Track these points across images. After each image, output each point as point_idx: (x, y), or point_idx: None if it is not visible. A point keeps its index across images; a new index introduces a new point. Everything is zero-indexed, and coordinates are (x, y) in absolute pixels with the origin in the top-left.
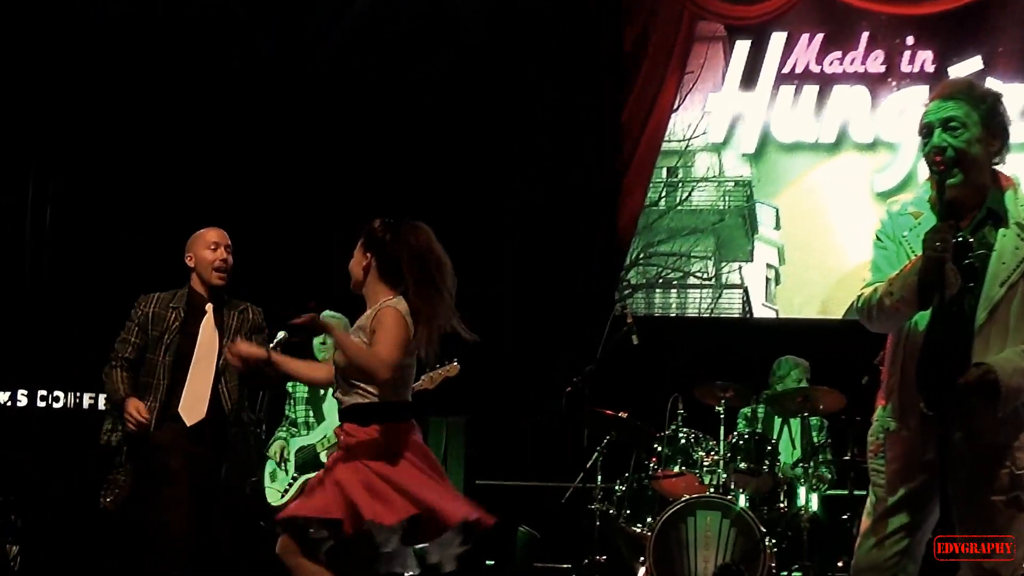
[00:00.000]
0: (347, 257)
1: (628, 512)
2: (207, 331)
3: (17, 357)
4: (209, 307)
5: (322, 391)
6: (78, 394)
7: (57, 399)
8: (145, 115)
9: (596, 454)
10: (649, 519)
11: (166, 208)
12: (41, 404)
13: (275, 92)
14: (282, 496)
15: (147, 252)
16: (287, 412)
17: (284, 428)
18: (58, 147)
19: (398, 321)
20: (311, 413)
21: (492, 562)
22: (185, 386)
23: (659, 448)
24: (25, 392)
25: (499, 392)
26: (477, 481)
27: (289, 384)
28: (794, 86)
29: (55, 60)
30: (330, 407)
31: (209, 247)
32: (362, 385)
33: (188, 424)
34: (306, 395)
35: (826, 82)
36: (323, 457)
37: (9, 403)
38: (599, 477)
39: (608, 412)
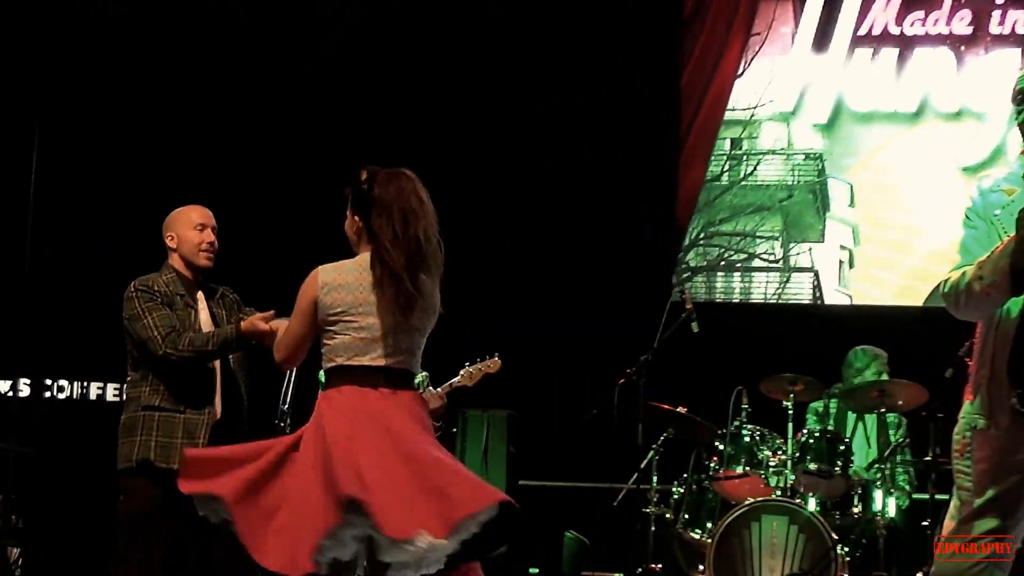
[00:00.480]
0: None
1: (686, 517)
2: (206, 321)
3: (19, 343)
4: (200, 295)
5: None
6: (84, 384)
7: (62, 389)
8: (144, 113)
9: (651, 453)
10: (709, 524)
11: (166, 202)
12: (45, 394)
13: (276, 92)
14: None
15: (147, 247)
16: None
17: None
18: (61, 127)
19: (302, 290)
20: None
21: (536, 570)
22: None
23: (721, 447)
24: (28, 381)
25: (545, 384)
26: (520, 482)
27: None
28: (871, 49)
29: (54, 60)
30: None
31: (195, 227)
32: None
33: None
34: None
35: (906, 45)
36: None
37: (10, 393)
38: (654, 478)
39: (665, 407)
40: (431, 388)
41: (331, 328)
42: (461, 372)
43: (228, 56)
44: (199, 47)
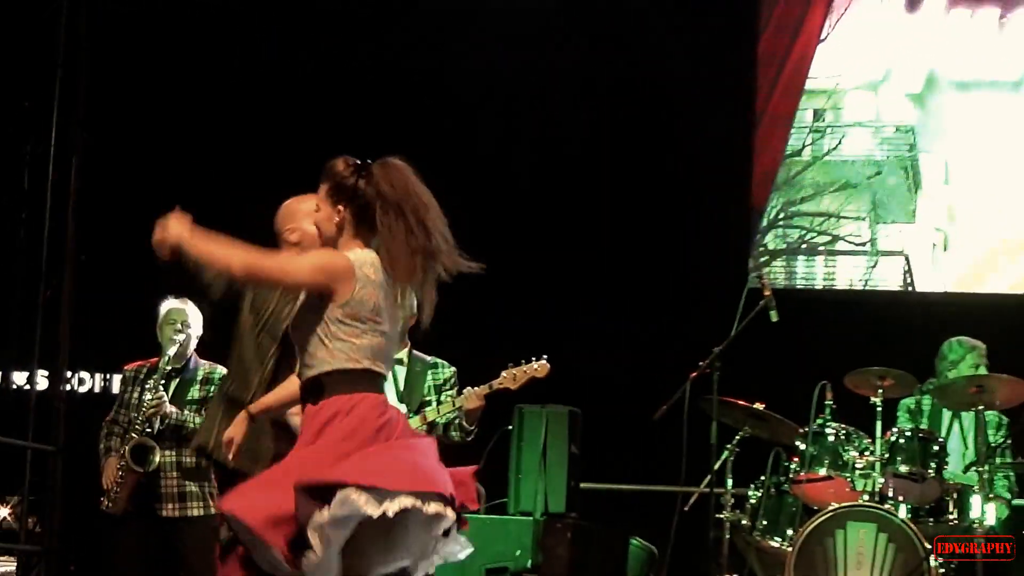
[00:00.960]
0: None
1: (764, 523)
2: None
3: (36, 331)
4: None
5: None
6: (107, 376)
7: (83, 382)
8: (149, 110)
9: (726, 453)
10: (789, 532)
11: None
12: (64, 387)
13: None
14: None
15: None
16: None
17: None
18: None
19: (331, 260)
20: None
21: None
22: None
23: (802, 447)
24: (45, 373)
25: (610, 378)
26: (582, 484)
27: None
28: (969, 10)
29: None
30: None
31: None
32: (310, 351)
33: None
34: None
35: (1009, 5)
36: None
37: (27, 386)
38: (729, 481)
39: (741, 402)
40: (469, 388)
41: (359, 325)
42: (503, 373)
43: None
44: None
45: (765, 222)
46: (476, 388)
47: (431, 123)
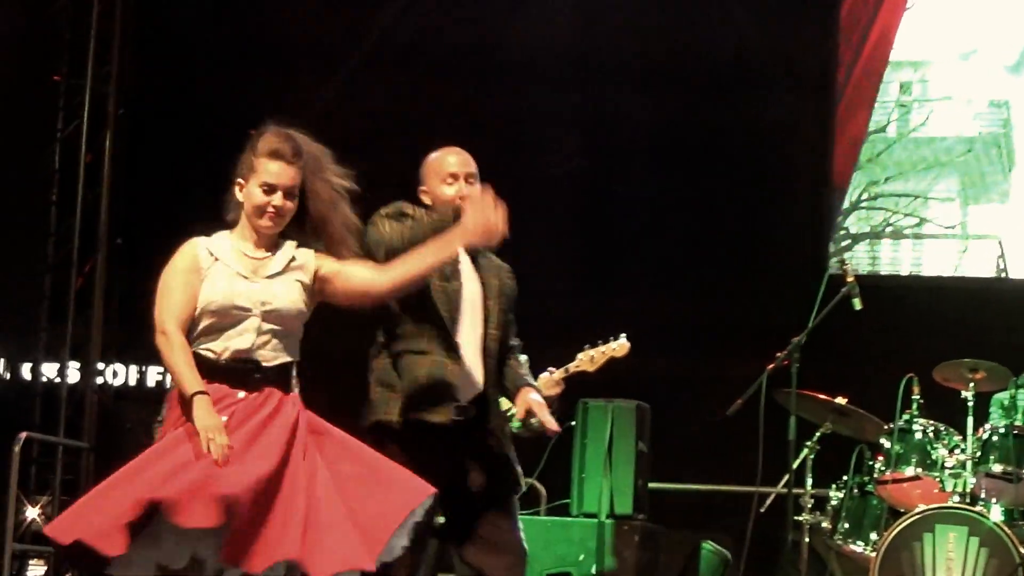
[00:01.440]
0: None
1: (846, 526)
2: None
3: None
4: None
5: None
6: (142, 368)
7: (116, 374)
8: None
9: (805, 451)
10: (873, 536)
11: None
12: (97, 380)
13: None
14: None
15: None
16: None
17: None
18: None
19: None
20: None
21: None
22: None
23: (887, 444)
24: (77, 365)
25: (680, 371)
26: (650, 484)
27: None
28: None
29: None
30: None
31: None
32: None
33: None
34: None
35: None
36: None
37: (58, 379)
38: (809, 480)
39: (822, 396)
40: (546, 372)
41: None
42: (579, 356)
43: None
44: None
45: (847, 204)
46: (552, 374)
47: (488, 98)
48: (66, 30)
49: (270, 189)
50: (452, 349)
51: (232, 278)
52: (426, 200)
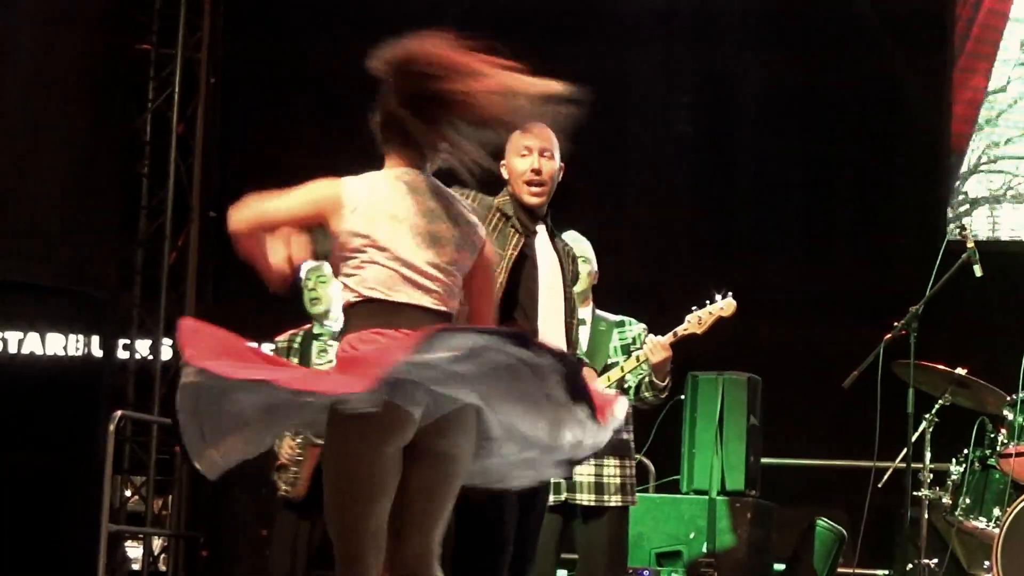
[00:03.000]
0: None
1: (967, 502)
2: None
3: (161, 296)
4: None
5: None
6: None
7: None
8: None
9: (924, 424)
10: (996, 511)
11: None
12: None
13: None
14: None
15: None
16: None
17: None
18: None
19: (317, 187)
20: None
21: (782, 566)
22: None
23: (1010, 416)
24: (170, 342)
25: (793, 342)
26: (763, 459)
27: None
28: None
29: None
30: None
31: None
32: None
33: None
34: None
35: None
36: None
37: (151, 356)
38: (928, 454)
39: (941, 367)
40: (652, 336)
41: (357, 255)
42: (688, 318)
43: None
44: None
45: (965, 167)
46: (660, 338)
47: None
48: None
49: None
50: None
51: None
52: (504, 173)
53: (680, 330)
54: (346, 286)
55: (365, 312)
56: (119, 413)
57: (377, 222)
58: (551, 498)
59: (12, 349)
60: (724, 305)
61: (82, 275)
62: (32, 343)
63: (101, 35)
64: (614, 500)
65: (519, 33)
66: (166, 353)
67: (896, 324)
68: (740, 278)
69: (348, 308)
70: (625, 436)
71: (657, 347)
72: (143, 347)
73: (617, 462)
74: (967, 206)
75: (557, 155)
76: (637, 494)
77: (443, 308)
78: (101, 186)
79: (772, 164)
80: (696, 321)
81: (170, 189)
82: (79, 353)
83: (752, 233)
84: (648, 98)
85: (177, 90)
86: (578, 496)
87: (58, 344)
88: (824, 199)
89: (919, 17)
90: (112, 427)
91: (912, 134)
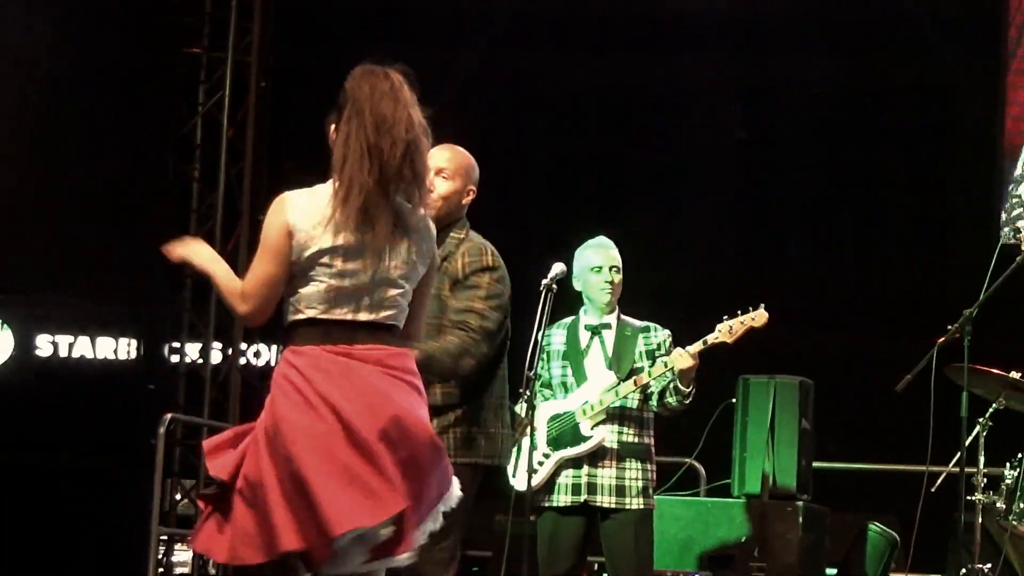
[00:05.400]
0: None
1: (1021, 506)
2: None
3: (210, 299)
4: None
5: (583, 344)
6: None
7: (259, 355)
8: None
9: (978, 428)
10: None
11: None
12: (240, 360)
13: None
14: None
15: None
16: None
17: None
18: None
19: (266, 222)
20: (568, 370)
21: (834, 571)
22: None
23: None
24: (220, 346)
25: (845, 346)
26: (814, 463)
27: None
28: None
29: None
30: (593, 362)
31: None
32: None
33: None
34: (563, 347)
35: None
36: (584, 428)
37: (201, 360)
38: (982, 459)
39: (995, 371)
40: (679, 348)
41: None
42: (719, 327)
43: None
44: None
45: (1019, 170)
46: (688, 346)
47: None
48: (207, 1)
49: None
50: None
51: None
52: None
53: (711, 339)
54: (287, 301)
55: (304, 332)
56: (169, 416)
57: (318, 239)
58: (570, 499)
59: (63, 353)
60: (755, 316)
61: (132, 279)
62: (83, 347)
63: (152, 39)
64: (635, 503)
65: (573, 39)
66: (216, 357)
67: (949, 328)
68: (793, 282)
69: (288, 326)
70: (647, 441)
71: (684, 355)
72: (193, 351)
73: (639, 465)
74: (1020, 209)
75: (457, 176)
76: (688, 497)
77: (389, 323)
78: (152, 189)
79: (824, 169)
80: (727, 331)
81: (220, 193)
82: (130, 357)
83: (807, 237)
84: (701, 104)
85: (228, 94)
86: (598, 498)
87: (109, 348)
88: (877, 203)
89: (972, 20)
90: (162, 430)
91: (965, 138)
